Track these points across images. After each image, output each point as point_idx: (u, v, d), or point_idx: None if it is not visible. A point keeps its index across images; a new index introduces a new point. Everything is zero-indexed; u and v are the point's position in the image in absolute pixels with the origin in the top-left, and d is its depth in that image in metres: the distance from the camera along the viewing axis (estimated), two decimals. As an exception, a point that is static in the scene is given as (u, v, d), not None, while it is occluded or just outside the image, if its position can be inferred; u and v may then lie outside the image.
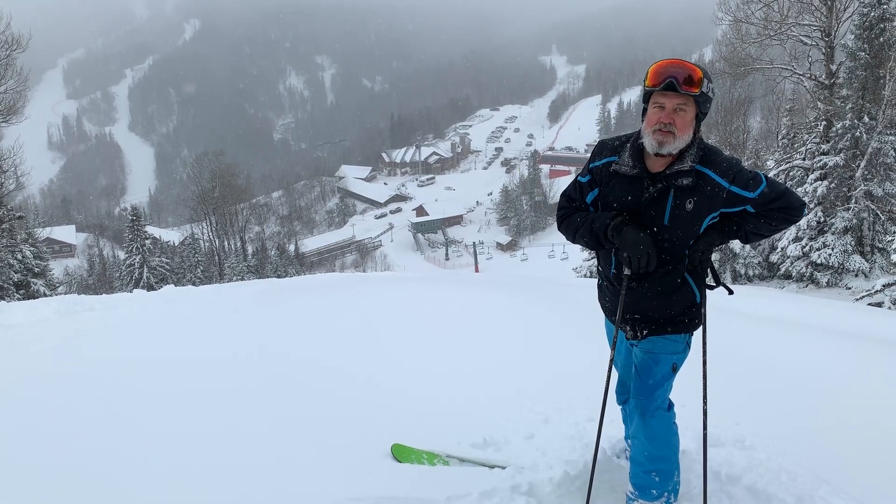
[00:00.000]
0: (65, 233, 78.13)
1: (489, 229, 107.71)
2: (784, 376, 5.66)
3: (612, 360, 3.20)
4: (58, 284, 27.56)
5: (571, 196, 3.22)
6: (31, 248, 23.66)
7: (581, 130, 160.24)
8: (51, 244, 55.21)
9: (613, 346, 3.19)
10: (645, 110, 2.91)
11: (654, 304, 3.08)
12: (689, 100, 2.79)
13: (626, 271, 2.99)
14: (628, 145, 3.00)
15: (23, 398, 4.43)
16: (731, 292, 3.25)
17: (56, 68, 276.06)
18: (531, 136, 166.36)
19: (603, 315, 3.53)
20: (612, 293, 3.24)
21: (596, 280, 3.49)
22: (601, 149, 3.11)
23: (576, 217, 3.15)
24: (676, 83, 2.73)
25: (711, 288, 3.16)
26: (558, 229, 3.29)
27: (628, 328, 3.20)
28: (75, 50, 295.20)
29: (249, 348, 5.92)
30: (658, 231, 2.92)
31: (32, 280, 22.72)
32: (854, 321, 9.72)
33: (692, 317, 3.14)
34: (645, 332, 3.14)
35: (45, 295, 21.00)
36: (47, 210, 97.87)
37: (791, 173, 22.92)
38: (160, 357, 5.52)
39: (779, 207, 2.94)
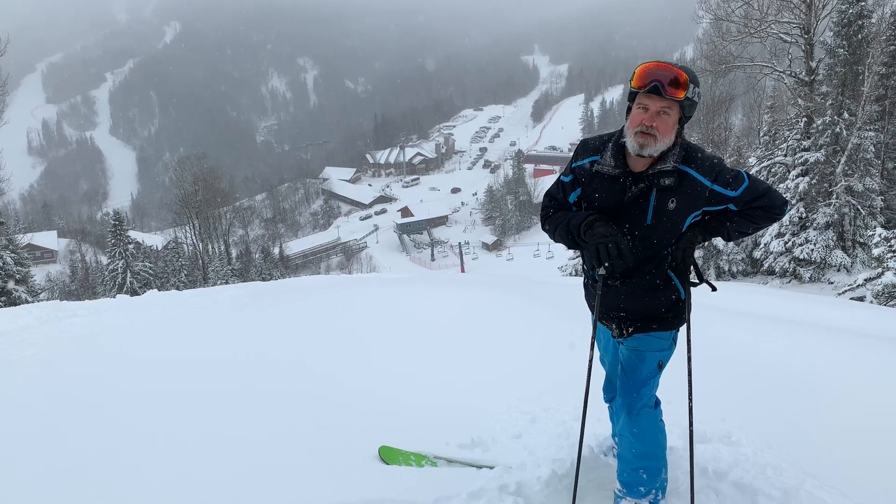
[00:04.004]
0: (46, 238, 77.05)
1: (474, 229, 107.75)
2: (769, 372, 5.69)
3: (591, 359, 3.19)
4: (40, 291, 27.27)
5: (554, 195, 3.23)
6: (12, 255, 23.35)
7: (564, 130, 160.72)
8: (32, 250, 54.63)
9: (592, 345, 3.20)
10: (629, 109, 2.91)
11: (638, 302, 3.09)
12: (674, 104, 2.78)
13: (601, 271, 3.00)
14: (610, 144, 2.99)
15: (6, 407, 4.37)
16: (714, 289, 3.26)
17: (35, 72, 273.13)
18: (500, 133, 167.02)
19: (590, 313, 3.53)
20: (595, 291, 3.23)
21: (581, 279, 3.50)
22: (584, 148, 3.10)
23: (557, 216, 3.17)
24: (661, 87, 2.72)
25: (695, 285, 3.17)
26: (542, 228, 3.30)
27: (614, 326, 3.20)
28: (54, 54, 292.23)
29: (236, 353, 5.88)
30: (640, 230, 2.93)
31: (14, 287, 22.45)
32: (837, 316, 9.81)
33: (677, 313, 3.15)
34: (630, 329, 3.14)
35: (26, 302, 20.77)
36: (28, 216, 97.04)
37: (773, 170, 23.13)
38: (145, 363, 5.47)
39: (761, 206, 2.97)
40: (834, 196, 20.61)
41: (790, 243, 21.27)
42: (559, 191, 3.20)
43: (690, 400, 3.21)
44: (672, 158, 2.87)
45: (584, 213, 3.00)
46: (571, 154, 3.17)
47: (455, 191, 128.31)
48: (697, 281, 3.16)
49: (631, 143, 2.84)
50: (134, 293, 29.22)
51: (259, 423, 4.33)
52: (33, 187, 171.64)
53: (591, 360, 3.20)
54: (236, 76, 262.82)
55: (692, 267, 3.10)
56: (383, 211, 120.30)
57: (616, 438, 3.65)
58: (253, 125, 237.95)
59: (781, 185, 21.63)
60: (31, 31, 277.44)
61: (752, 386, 5.30)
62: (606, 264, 2.94)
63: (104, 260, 43.55)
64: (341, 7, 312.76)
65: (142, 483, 3.44)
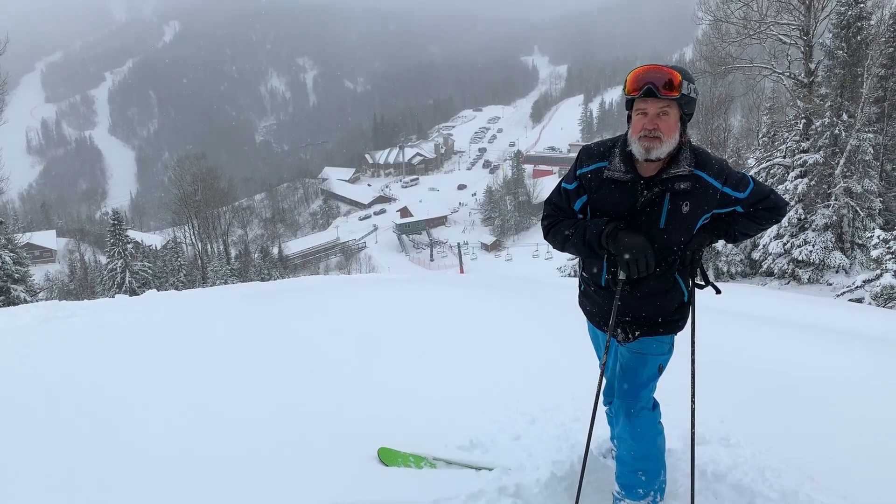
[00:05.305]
0: (45, 238, 77.03)
1: (473, 230, 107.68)
2: (767, 373, 5.69)
3: (603, 366, 3.18)
4: (38, 290, 27.25)
5: (557, 203, 3.17)
6: (11, 254, 23.32)
7: (564, 130, 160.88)
8: (31, 249, 54.56)
9: (606, 350, 3.17)
10: (629, 118, 2.91)
11: (647, 306, 3.08)
12: (672, 103, 2.78)
13: (622, 276, 2.97)
14: (616, 150, 2.97)
15: (3, 406, 4.37)
16: (718, 291, 3.25)
17: (34, 72, 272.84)
18: (499, 134, 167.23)
19: (585, 318, 3.51)
20: (601, 299, 3.20)
21: (577, 284, 3.46)
22: (587, 155, 3.06)
23: (564, 225, 3.10)
24: (655, 89, 2.72)
25: (701, 287, 3.17)
26: (545, 238, 3.23)
27: (619, 331, 3.18)
28: (53, 53, 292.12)
29: (234, 354, 5.88)
30: (653, 234, 2.91)
31: (12, 286, 22.41)
32: (836, 317, 9.81)
33: (681, 316, 3.16)
34: (637, 333, 3.13)
35: (25, 301, 20.75)
36: (27, 215, 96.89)
37: (772, 171, 23.12)
38: (144, 364, 5.47)
39: (766, 207, 3.02)
40: (833, 197, 20.62)
41: (789, 245, 21.27)
42: (562, 199, 3.14)
43: (693, 402, 3.21)
44: (685, 162, 2.87)
45: (600, 221, 2.96)
46: (571, 156, 3.15)
47: (461, 187, 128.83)
48: (703, 283, 3.16)
49: (637, 149, 2.83)
50: (133, 293, 29.19)
51: (256, 424, 4.32)
52: (32, 187, 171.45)
53: (603, 366, 3.19)
54: (235, 76, 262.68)
55: (698, 269, 3.11)
56: (382, 211, 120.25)
57: (615, 441, 3.65)
58: (252, 125, 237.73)
59: (780, 187, 21.62)
60: (31, 31, 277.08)
61: (751, 388, 5.30)
62: (631, 273, 2.91)
63: (103, 259, 43.47)
64: (341, 7, 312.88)
65: (138, 483, 3.43)
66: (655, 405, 3.27)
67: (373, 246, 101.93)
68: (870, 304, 16.27)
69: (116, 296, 9.84)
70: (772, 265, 21.78)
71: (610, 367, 3.48)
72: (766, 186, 3.03)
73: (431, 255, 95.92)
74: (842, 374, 5.78)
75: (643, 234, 2.89)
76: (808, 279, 20.78)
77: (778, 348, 6.65)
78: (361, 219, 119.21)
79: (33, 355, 5.59)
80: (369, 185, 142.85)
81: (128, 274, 34.91)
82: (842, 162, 20.16)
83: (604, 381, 3.27)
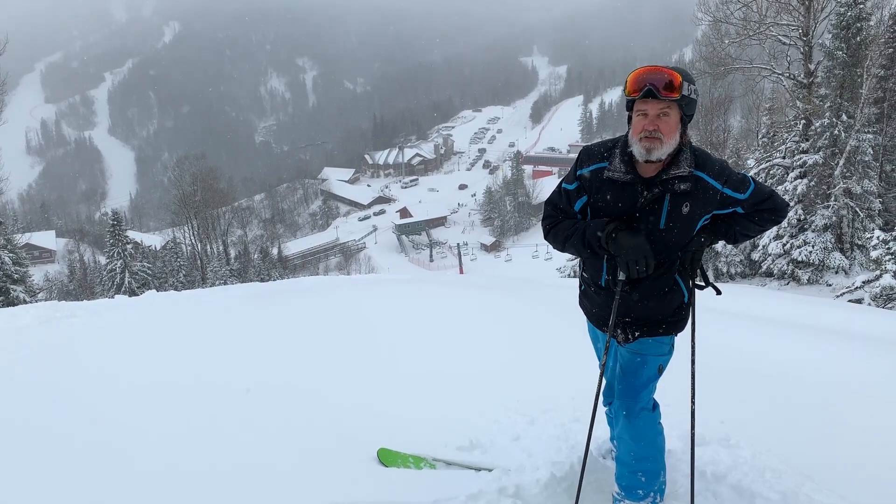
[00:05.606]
0: (44, 238, 76.99)
1: (473, 230, 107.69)
2: (767, 374, 5.69)
3: (603, 366, 3.18)
4: (38, 291, 27.23)
5: (557, 204, 3.16)
6: (10, 255, 23.32)
7: (563, 131, 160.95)
8: (30, 250, 54.49)
9: (606, 351, 3.17)
10: (630, 119, 2.90)
11: (646, 307, 3.08)
12: (672, 104, 2.78)
13: (622, 276, 2.97)
14: (617, 151, 2.96)
15: (3, 406, 4.36)
16: (718, 292, 3.25)
17: (34, 72, 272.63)
18: (499, 135, 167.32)
19: (585, 318, 3.51)
20: (602, 299, 3.19)
21: (578, 284, 3.46)
22: (588, 155, 3.05)
23: (564, 226, 3.10)
24: (655, 90, 2.72)
25: (701, 288, 3.17)
26: (545, 238, 3.23)
27: (619, 332, 3.18)
28: (53, 53, 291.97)
29: (234, 355, 5.88)
30: (654, 235, 2.91)
31: (12, 287, 22.40)
32: (836, 318, 9.81)
33: (681, 317, 3.16)
34: (637, 333, 3.13)
35: (25, 301, 20.74)
36: (26, 215, 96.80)
37: (771, 171, 23.12)
38: (143, 366, 5.47)
39: (767, 209, 3.02)
40: (832, 198, 20.63)
41: (788, 245, 21.27)
42: (562, 199, 3.13)
43: (693, 403, 3.21)
44: (685, 163, 2.86)
45: (600, 222, 2.95)
46: (570, 156, 3.14)
47: (461, 188, 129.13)
48: (703, 284, 3.16)
49: (638, 150, 2.82)
50: (132, 293, 29.18)
51: (255, 424, 4.32)
52: (32, 187, 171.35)
53: (602, 367, 3.18)
54: (235, 76, 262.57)
55: (698, 270, 3.10)
56: (382, 212, 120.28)
57: (614, 442, 3.65)
58: (252, 125, 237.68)
59: (780, 187, 21.62)
60: (31, 31, 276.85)
61: (751, 388, 5.30)
62: (631, 273, 2.90)
63: (102, 260, 43.43)
64: (340, 8, 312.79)
65: (138, 482, 3.43)
66: (655, 406, 3.27)
67: (372, 246, 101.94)
68: (869, 304, 16.26)
69: (116, 296, 9.84)
70: (771, 266, 21.78)
71: (610, 368, 3.47)
72: (766, 187, 3.02)
73: (431, 256, 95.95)
74: (842, 374, 5.78)
75: (643, 235, 2.89)
76: (808, 280, 20.78)
77: (778, 349, 6.65)
78: (361, 219, 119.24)
79: (33, 355, 5.59)
80: (369, 185, 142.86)
81: (127, 274, 34.90)
82: (841, 163, 20.17)
83: (603, 382, 3.26)
